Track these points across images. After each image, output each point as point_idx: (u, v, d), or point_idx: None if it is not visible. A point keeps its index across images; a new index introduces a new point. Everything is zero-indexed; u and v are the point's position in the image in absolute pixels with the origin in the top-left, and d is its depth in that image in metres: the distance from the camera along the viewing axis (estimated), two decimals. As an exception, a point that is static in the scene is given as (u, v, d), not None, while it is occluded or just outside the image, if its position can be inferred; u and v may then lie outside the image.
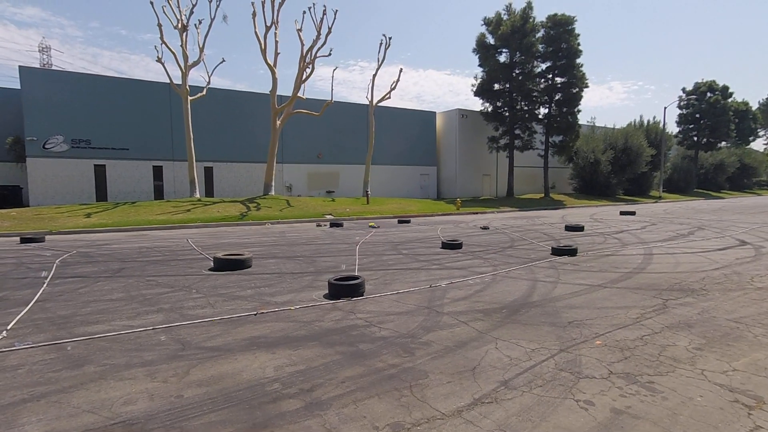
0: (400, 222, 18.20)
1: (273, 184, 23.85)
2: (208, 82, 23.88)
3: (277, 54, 23.23)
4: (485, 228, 13.33)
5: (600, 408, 3.16)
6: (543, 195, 33.72)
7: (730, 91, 46.55)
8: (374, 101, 27.94)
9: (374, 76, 27.67)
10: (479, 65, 31.67)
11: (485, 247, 10.88)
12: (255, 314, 5.30)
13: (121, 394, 3.32)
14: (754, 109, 54.93)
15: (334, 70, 28.26)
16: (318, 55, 23.54)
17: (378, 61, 27.60)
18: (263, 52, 22.54)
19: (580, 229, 14.23)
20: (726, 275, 7.51)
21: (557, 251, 9.52)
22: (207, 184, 26.09)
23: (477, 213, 23.44)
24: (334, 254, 9.91)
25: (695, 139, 46.88)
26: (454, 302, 5.85)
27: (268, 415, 3.03)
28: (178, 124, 24.24)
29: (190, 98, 22.01)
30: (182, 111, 22.34)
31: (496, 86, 31.61)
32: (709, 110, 45.47)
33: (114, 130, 23.39)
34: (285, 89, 27.62)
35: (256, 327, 4.86)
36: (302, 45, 23.41)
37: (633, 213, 21.92)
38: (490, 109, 32.12)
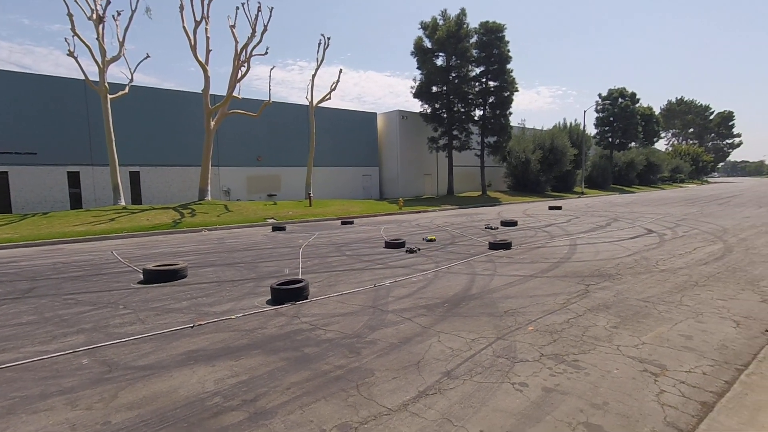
0: (343, 223, 18.15)
1: (209, 188, 22.69)
2: (131, 80, 22.17)
3: (208, 51, 22.16)
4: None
5: (533, 388, 3.40)
6: (481, 193, 35.30)
7: (637, 97, 51.95)
8: (314, 102, 27.60)
9: (313, 76, 27.34)
10: (418, 68, 32.45)
11: (428, 244, 11.18)
12: (192, 327, 5.04)
13: (35, 428, 3.00)
14: (657, 113, 61.66)
15: (272, 69, 27.56)
16: (254, 53, 22.79)
17: (317, 61, 27.32)
18: (193, 48, 21.38)
19: (514, 224, 15.12)
20: (636, 261, 8.38)
21: (494, 245, 10.05)
22: (134, 190, 24.21)
23: (419, 212, 24.01)
24: (276, 259, 9.67)
25: (610, 139, 51.64)
26: (398, 300, 5.97)
27: (209, 431, 2.91)
28: (97, 125, 22.22)
29: (110, 97, 20.28)
30: (101, 111, 20.52)
31: (434, 89, 32.57)
32: (620, 114, 50.38)
33: (18, 133, 20.89)
34: (219, 89, 26.38)
35: (194, 340, 4.63)
36: (236, 42, 22.54)
37: (560, 208, 23.67)
38: (429, 111, 33.02)
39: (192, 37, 21.23)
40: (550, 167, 37.71)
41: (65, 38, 20.01)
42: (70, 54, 20.14)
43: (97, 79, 20.30)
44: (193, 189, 25.07)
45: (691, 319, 4.94)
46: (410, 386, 3.47)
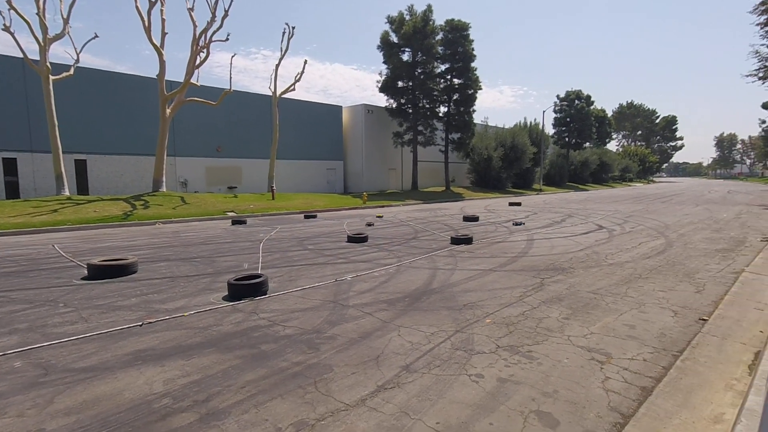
0: (306, 217, 17.88)
1: (164, 179, 21.63)
2: (77, 60, 20.65)
3: (164, 34, 21.03)
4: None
5: (488, 379, 3.48)
6: (444, 188, 35.86)
7: (592, 99, 54.52)
8: (278, 92, 26.90)
9: (277, 65, 26.61)
10: (384, 62, 32.36)
11: (390, 239, 11.22)
12: (141, 325, 4.78)
13: (-40, 434, 2.75)
14: (609, 116, 64.99)
15: (233, 56, 26.54)
16: (214, 39, 21.86)
17: (281, 50, 26.58)
18: (147, 30, 20.20)
19: (476, 219, 15.47)
20: (588, 255, 8.80)
21: (456, 240, 10.23)
22: (79, 180, 22.68)
23: (383, 206, 24.06)
24: (235, 253, 9.37)
25: (567, 139, 53.96)
26: (359, 294, 5.95)
27: (156, 432, 2.76)
28: (37, 108, 20.57)
29: (52, 78, 18.80)
30: (42, 93, 19.01)
31: (400, 84, 32.63)
32: (576, 115, 52.74)
33: (-54, 115, 19.01)
34: (178, 74, 25.06)
35: (142, 339, 4.39)
36: (195, 27, 21.52)
37: (519, 204, 24.48)
38: (394, 106, 33.07)
39: (146, 18, 20.06)
40: (511, 164, 38.89)
41: None
42: (6, 29, 18.49)
43: (38, 58, 18.77)
44: (146, 180, 23.83)
45: (635, 310, 5.24)
46: (369, 381, 3.46)
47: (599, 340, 4.29)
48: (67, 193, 19.40)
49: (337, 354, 3.98)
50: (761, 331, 4.61)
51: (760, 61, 23.13)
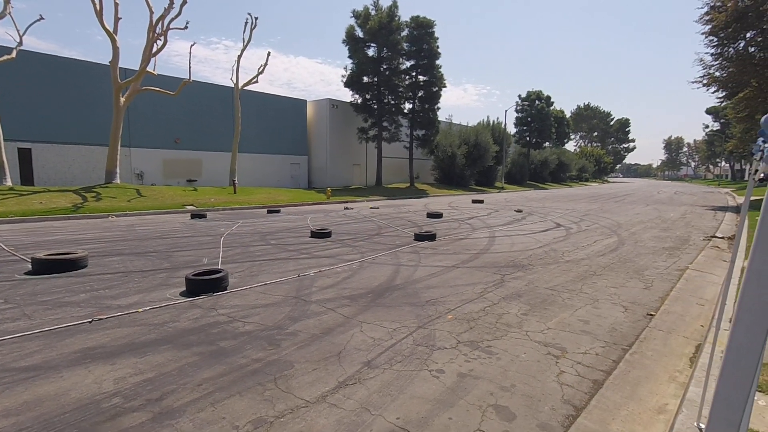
0: (269, 212, 17.51)
1: (118, 171, 20.51)
2: (20, 42, 19.18)
3: (117, 18, 19.87)
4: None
5: (449, 374, 3.56)
6: (409, 185, 36.15)
7: (552, 100, 56.61)
8: (240, 84, 26.11)
9: (239, 56, 25.80)
10: (349, 57, 32.12)
11: (354, 235, 11.20)
12: (90, 322, 4.53)
13: None
14: (568, 116, 67.75)
15: (192, 45, 25.44)
16: (172, 26, 20.89)
17: (243, 41, 25.74)
18: (99, 14, 19.01)
19: (440, 216, 15.70)
20: (546, 252, 9.15)
21: (419, 237, 10.34)
22: (24, 169, 21.11)
23: (347, 202, 23.95)
24: (194, 248, 9.04)
25: (528, 138, 55.77)
26: (322, 290, 5.90)
27: (104, 435, 2.63)
28: (-26, 91, 18.94)
29: (-8, 60, 17.36)
30: (-19, 75, 17.50)
31: (365, 79, 32.51)
32: (537, 115, 54.58)
33: None
34: (133, 62, 23.79)
35: (92, 336, 4.16)
36: (151, 13, 20.48)
37: (482, 201, 25.07)
38: (359, 101, 32.93)
39: (97, 2, 18.86)
40: (474, 162, 39.74)
41: (-71, -17, 16.64)
42: (-63, 3, 16.86)
43: (-26, 37, 17.24)
44: (99, 171, 22.52)
45: (589, 306, 5.51)
46: (330, 377, 3.44)
47: (555, 335, 4.48)
48: (9, 182, 18.03)
49: (298, 350, 3.94)
50: (702, 326, 4.96)
51: (704, 69, 24.73)
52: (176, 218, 15.06)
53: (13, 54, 18.78)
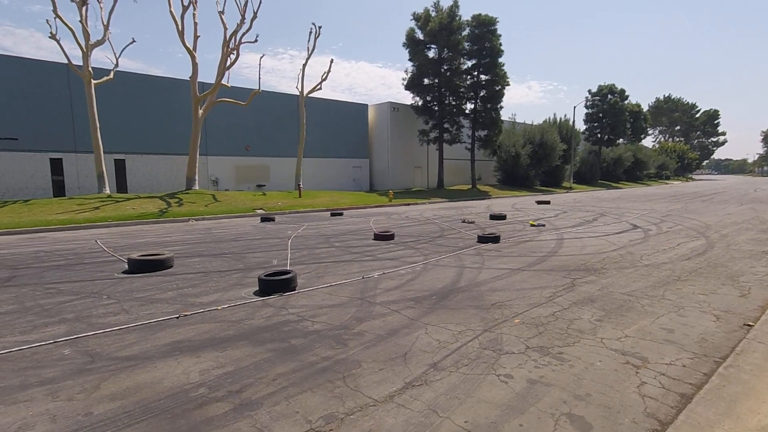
0: (332, 215, 18.09)
1: (197, 177, 22.39)
2: (116, 65, 21.65)
3: (196, 37, 21.71)
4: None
5: (518, 380, 3.44)
6: (470, 186, 35.45)
7: (626, 94, 52.42)
8: (305, 92, 27.31)
9: (304, 65, 27.01)
10: (409, 59, 32.27)
11: (416, 237, 11.21)
12: (177, 317, 4.98)
13: (14, 419, 2.94)
14: (645, 110, 62.41)
15: (261, 57, 27.10)
16: (243, 40, 22.41)
17: (308, 50, 26.96)
18: (180, 34, 20.93)
19: (503, 217, 15.22)
20: (621, 255, 8.51)
21: (482, 239, 10.11)
22: (119, 178, 23.78)
23: (409, 204, 24.02)
24: (265, 249, 9.60)
25: (599, 135, 52.15)
26: (386, 292, 5.98)
27: (193, 422, 2.88)
28: (80, 111, 21.69)
29: (94, 82, 19.78)
30: (85, 96, 20.01)
31: (426, 81, 32.45)
32: (609, 110, 50.84)
33: (-1, 118, 20.31)
34: (208, 76, 25.92)
35: (179, 331, 4.58)
36: (225, 29, 22.12)
37: (548, 202, 23.90)
38: (420, 103, 32.93)
39: (179, 23, 20.77)
40: (539, 162, 38.01)
41: (47, 20, 19.39)
42: (52, 36, 19.56)
43: (81, 63, 19.77)
44: (180, 178, 24.73)
45: (673, 313, 5.04)
46: (397, 378, 3.48)
47: (634, 344, 4.16)
48: (107, 191, 20.37)
49: (364, 350, 4.03)
50: (812, 338, 4.33)
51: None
52: (248, 221, 16.08)
53: (111, 75, 21.25)
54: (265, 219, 16.02)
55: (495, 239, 10.07)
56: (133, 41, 22.29)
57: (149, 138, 24.47)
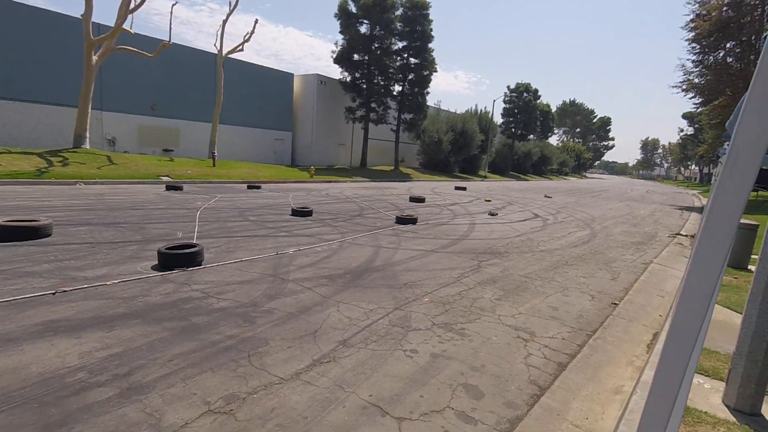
0: (249, 188, 17.18)
1: (88, 135, 19.62)
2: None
3: (93, -28, 18.67)
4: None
5: (422, 354, 3.60)
6: (393, 168, 36.02)
7: (539, 94, 56.87)
8: (224, 51, 25.16)
9: (225, 21, 24.79)
10: (340, 32, 31.27)
11: (335, 215, 11.12)
12: (54, 293, 4.36)
13: None
14: (553, 111, 68.33)
15: (174, 4, 24.24)
16: (151, -15, 19.80)
17: (230, 5, 24.72)
18: (72, -35, 17.82)
19: (422, 200, 15.75)
20: (522, 241, 9.32)
21: (401, 220, 10.36)
22: (-15, 127, 19.94)
23: (331, 181, 23.72)
24: (169, 221, 8.80)
25: (513, 130, 56.10)
26: (300, 269, 5.86)
27: (68, 410, 2.56)
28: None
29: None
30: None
31: (356, 57, 31.81)
32: (524, 108, 54.84)
33: None
34: (107, 18, 22.59)
35: (55, 309, 4.01)
36: (129, -32, 19.32)
37: (465, 188, 25.25)
38: (348, 79, 32.28)
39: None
40: (459, 149, 39.85)
41: None
42: None
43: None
44: (66, 134, 21.47)
45: (559, 293, 5.66)
46: (305, 355, 3.44)
47: (525, 320, 4.59)
48: (-32, 141, 17.00)
49: (273, 328, 3.91)
50: (660, 315, 5.18)
51: (684, 75, 25.33)
52: (150, 189, 14.60)
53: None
54: (172, 187, 14.67)
55: (413, 221, 10.38)
56: (8, -37, 18.48)
57: (25, 82, 20.70)
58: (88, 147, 19.55)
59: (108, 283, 4.77)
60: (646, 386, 3.14)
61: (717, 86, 23.53)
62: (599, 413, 3.01)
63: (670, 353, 0.94)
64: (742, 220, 7.43)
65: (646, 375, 3.32)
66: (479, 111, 46.72)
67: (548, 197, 15.34)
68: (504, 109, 56.53)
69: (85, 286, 4.64)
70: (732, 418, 2.89)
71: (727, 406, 3.05)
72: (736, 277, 6.77)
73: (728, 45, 22.96)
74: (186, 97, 26.81)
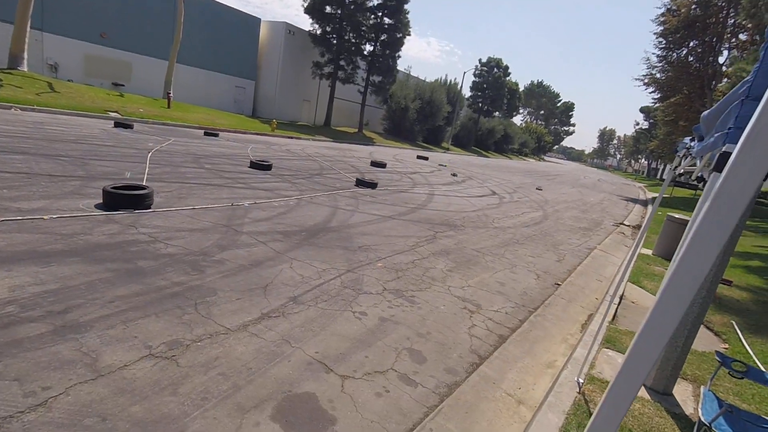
0: (206, 134, 16.32)
1: (25, 56, 17.57)
2: None
3: None
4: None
5: (371, 317, 3.71)
6: (357, 130, 35.41)
7: (509, 71, 57.20)
8: (186, -18, 22.97)
9: (188, -51, 22.47)
10: (315, -21, 29.42)
11: (295, 171, 10.88)
12: (-19, 222, 4.01)
13: None
14: (521, 90, 69.31)
15: None
16: None
17: (195, -69, 22.36)
18: None
19: (383, 166, 15.70)
20: (478, 216, 9.63)
21: (360, 183, 10.31)
22: None
23: (292, 138, 23.00)
24: (116, 159, 8.22)
25: (480, 105, 56.53)
26: (255, 222, 5.74)
27: (-6, 343, 2.42)
28: None
29: None
30: None
31: (328, 9, 30.22)
32: (493, 83, 55.14)
33: None
34: (49, -77, 19.96)
35: (-18, 238, 3.71)
36: None
37: (426, 158, 25.40)
38: (318, 32, 30.75)
39: None
40: (425, 119, 39.73)
41: None
42: None
43: None
44: (1, 52, 19.11)
45: (508, 270, 5.96)
46: (254, 308, 3.43)
47: (474, 293, 4.82)
48: None
49: (223, 278, 3.85)
50: (596, 298, 5.61)
51: (648, 68, 26.26)
52: (96, 123, 13.48)
53: None
54: (121, 125, 13.62)
55: (372, 185, 10.38)
56: None
57: (-50, -15, 18.00)
58: (25, 70, 17.55)
59: (45, 217, 4.45)
60: (576, 362, 3.44)
61: (676, 84, 24.60)
62: (531, 384, 3.27)
63: (642, 343, 0.90)
64: (677, 215, 8.07)
65: (578, 353, 3.63)
66: (449, 82, 46.43)
67: (454, 175, 15.61)
68: (473, 83, 56.58)
69: (19, 218, 4.30)
70: (647, 396, 3.23)
71: (644, 386, 3.39)
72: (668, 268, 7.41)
73: (692, 44, 23.87)
74: (141, 29, 24.47)
